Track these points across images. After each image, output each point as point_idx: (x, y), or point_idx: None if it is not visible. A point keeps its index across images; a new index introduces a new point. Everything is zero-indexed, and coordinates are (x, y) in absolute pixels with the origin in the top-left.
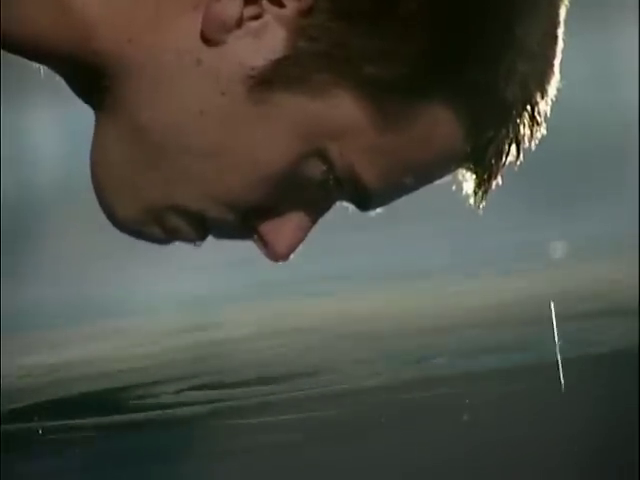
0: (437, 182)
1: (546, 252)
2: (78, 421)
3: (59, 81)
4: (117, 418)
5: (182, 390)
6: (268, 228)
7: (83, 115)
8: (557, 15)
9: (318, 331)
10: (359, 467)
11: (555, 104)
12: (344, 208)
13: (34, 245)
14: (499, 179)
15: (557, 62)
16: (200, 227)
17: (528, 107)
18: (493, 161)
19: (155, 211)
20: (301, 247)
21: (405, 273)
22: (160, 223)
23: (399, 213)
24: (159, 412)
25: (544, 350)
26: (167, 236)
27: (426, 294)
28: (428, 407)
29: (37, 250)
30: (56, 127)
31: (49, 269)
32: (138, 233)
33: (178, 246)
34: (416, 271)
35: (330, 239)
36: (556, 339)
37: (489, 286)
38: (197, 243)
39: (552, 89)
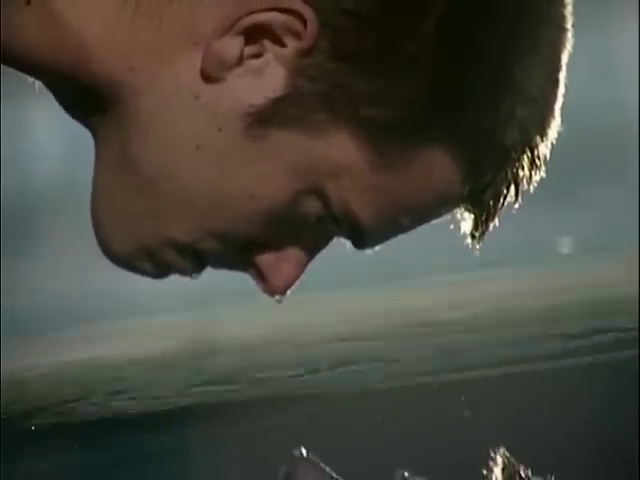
0: (435, 222)
1: (545, 250)
2: (79, 422)
3: None
4: (119, 418)
5: (184, 389)
6: (266, 262)
7: None
8: (559, 60)
9: (318, 331)
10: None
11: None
12: None
13: (34, 245)
14: (497, 220)
15: (557, 106)
16: (195, 260)
17: (527, 150)
18: (491, 203)
19: (149, 246)
20: None
21: (404, 273)
22: (154, 259)
23: None
24: (162, 410)
25: (545, 349)
26: (161, 271)
27: (425, 294)
28: (428, 406)
29: (36, 250)
30: (57, 127)
31: (48, 269)
32: (132, 268)
33: None
34: (415, 270)
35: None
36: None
37: (489, 285)
38: (194, 276)
39: (552, 132)
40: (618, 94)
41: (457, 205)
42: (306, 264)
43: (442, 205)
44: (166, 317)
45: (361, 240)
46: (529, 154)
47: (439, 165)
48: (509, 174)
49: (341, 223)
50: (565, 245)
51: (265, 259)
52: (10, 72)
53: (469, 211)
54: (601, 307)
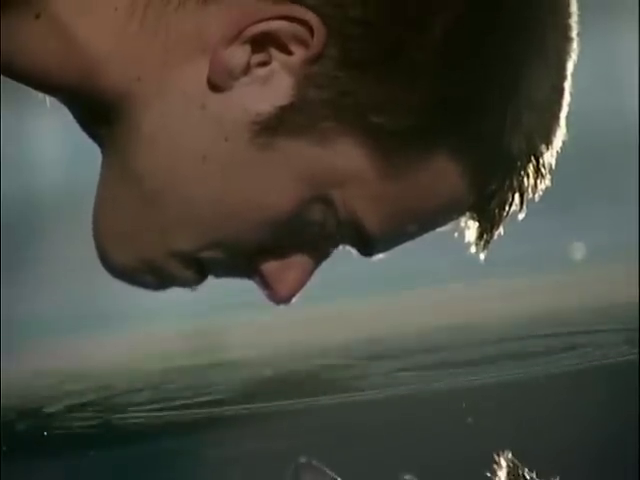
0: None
1: (545, 258)
2: (77, 429)
3: None
4: (115, 425)
5: (190, 399)
6: (271, 270)
7: None
8: (564, 68)
9: (320, 338)
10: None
11: None
12: None
13: (34, 251)
14: (501, 229)
15: (563, 115)
16: (198, 271)
17: (533, 159)
18: (496, 211)
19: (152, 260)
20: None
21: (407, 280)
22: (157, 271)
23: None
24: (153, 419)
25: (546, 359)
26: (163, 284)
27: (428, 301)
28: (431, 413)
29: (37, 257)
30: (58, 136)
31: (49, 276)
32: (133, 281)
33: None
34: (418, 278)
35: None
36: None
37: (490, 293)
38: (193, 287)
39: (557, 141)
40: (619, 101)
41: (463, 213)
42: (312, 272)
43: (448, 213)
44: (167, 325)
45: (367, 247)
46: (534, 162)
47: (446, 173)
48: (515, 182)
49: (347, 231)
50: (563, 254)
51: (270, 266)
52: (11, 80)
53: (474, 219)
54: (603, 311)
